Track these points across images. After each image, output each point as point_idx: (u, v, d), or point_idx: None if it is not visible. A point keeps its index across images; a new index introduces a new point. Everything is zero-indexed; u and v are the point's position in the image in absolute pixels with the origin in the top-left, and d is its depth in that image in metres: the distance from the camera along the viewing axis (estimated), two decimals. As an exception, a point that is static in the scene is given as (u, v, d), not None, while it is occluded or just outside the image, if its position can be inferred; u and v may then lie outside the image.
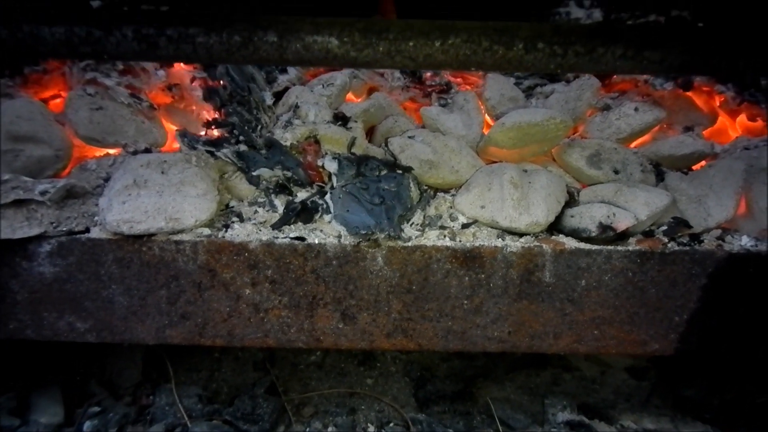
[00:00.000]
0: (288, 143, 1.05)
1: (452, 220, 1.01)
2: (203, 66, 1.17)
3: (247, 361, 1.40)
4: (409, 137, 1.14)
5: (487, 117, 1.29)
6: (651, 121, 1.21)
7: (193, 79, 1.17)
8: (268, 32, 0.61)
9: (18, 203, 0.91)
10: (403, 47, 0.62)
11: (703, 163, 1.21)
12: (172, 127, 1.18)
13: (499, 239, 0.95)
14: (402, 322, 0.97)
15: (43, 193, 0.91)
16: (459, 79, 1.38)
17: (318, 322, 0.96)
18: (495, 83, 1.26)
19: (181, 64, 1.16)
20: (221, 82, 1.13)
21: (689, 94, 1.30)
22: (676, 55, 0.63)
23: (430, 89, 1.38)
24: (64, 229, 0.91)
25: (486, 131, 1.25)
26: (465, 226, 1.00)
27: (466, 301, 0.96)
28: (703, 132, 1.29)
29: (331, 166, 1.02)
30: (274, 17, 0.62)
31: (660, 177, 1.15)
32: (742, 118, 1.33)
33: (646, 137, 1.25)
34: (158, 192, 0.92)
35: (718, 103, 1.34)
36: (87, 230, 0.92)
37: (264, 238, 0.92)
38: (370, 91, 1.37)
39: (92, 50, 0.62)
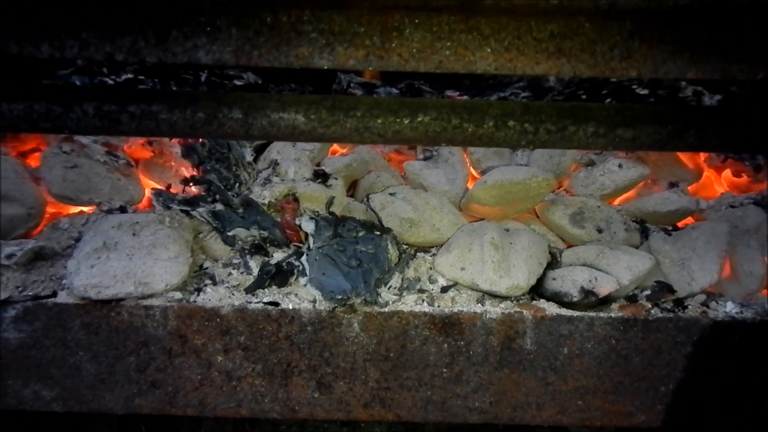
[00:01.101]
0: (266, 201, 1.04)
1: (431, 283, 0.99)
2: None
3: (227, 421, 1.35)
4: (390, 194, 1.13)
5: (472, 170, 1.28)
6: (635, 178, 1.20)
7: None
8: (233, 109, 0.60)
9: (-17, 267, 0.88)
10: (371, 124, 0.61)
11: (689, 220, 1.19)
12: (150, 183, 1.16)
13: (479, 305, 0.93)
14: (380, 392, 0.94)
15: (9, 256, 0.89)
16: (443, 133, 1.37)
17: (293, 391, 0.93)
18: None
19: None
20: (200, 139, 1.12)
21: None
22: (648, 134, 0.61)
23: (415, 142, 1.37)
24: (30, 293, 0.88)
25: (470, 185, 1.23)
26: (444, 289, 0.97)
27: (445, 370, 0.93)
28: (688, 187, 1.28)
29: (308, 226, 1.00)
30: (239, 94, 0.61)
31: (644, 234, 1.13)
32: (727, 173, 1.32)
33: (630, 193, 1.24)
34: (128, 255, 0.89)
35: (702, 159, 1.34)
36: (54, 294, 0.89)
37: (236, 303, 0.89)
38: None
39: (52, 126, 0.60)
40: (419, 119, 0.61)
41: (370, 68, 0.53)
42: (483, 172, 1.25)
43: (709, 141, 0.64)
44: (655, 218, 1.17)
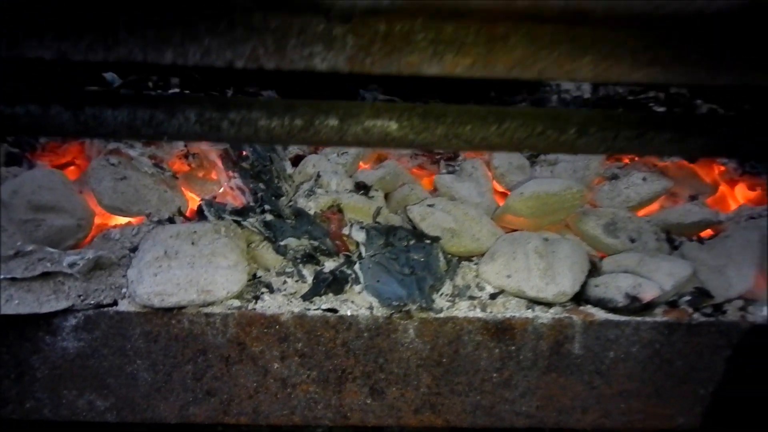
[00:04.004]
0: (312, 212, 1.06)
1: (479, 290, 1.02)
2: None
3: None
4: (429, 206, 1.16)
5: (495, 184, 1.32)
6: (659, 191, 1.25)
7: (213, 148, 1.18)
8: (329, 116, 0.63)
9: (45, 276, 0.89)
10: (460, 131, 0.64)
11: (709, 231, 1.24)
12: (191, 196, 1.18)
13: (530, 310, 0.96)
14: (430, 397, 0.96)
15: (71, 265, 0.89)
16: (468, 148, 1.42)
17: (346, 398, 0.95)
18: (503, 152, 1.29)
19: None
20: (243, 152, 1.14)
21: (692, 165, 1.36)
22: (718, 141, 0.66)
23: (438, 156, 1.41)
24: (92, 302, 0.89)
25: (496, 199, 1.27)
26: (493, 296, 1.00)
27: (495, 374, 0.95)
28: (706, 200, 1.34)
29: (359, 236, 1.02)
30: (335, 102, 0.64)
31: (672, 245, 1.18)
32: (741, 187, 1.38)
33: (653, 206, 1.29)
34: (189, 263, 0.91)
35: (717, 173, 1.40)
36: (115, 303, 0.90)
37: (296, 310, 0.91)
38: (378, 158, 1.39)
39: (154, 132, 0.62)
40: (506, 126, 0.65)
41: (477, 76, 0.56)
42: (507, 186, 1.30)
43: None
44: (679, 229, 1.22)
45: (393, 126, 0.64)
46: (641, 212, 1.28)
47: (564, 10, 0.52)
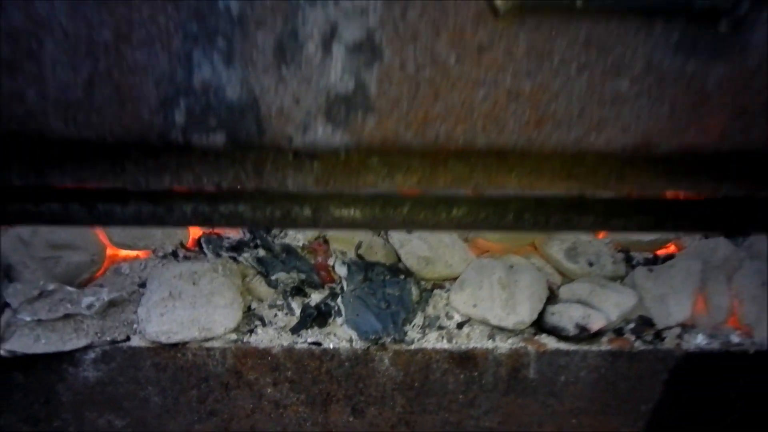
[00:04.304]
0: (300, 243, 1.19)
1: (449, 319, 1.15)
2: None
3: None
4: (408, 233, 1.28)
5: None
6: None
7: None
8: (304, 208, 0.75)
9: (66, 316, 1.02)
10: (415, 218, 0.76)
11: (669, 246, 1.36)
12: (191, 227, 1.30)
13: (490, 340, 1.09)
14: (405, 416, 1.10)
15: (89, 307, 1.03)
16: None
17: (331, 417, 1.09)
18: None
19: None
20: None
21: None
22: (635, 222, 0.77)
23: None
24: (108, 338, 1.03)
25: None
26: (460, 325, 1.13)
27: (461, 396, 1.09)
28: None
29: (342, 270, 1.15)
30: (307, 195, 0.76)
31: (630, 264, 1.30)
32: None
33: (616, 228, 1.40)
34: (191, 304, 1.04)
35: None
36: (128, 338, 1.04)
37: (285, 344, 1.05)
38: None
39: (157, 223, 0.74)
40: (454, 213, 0.76)
41: (421, 189, 0.68)
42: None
43: (683, 226, 0.80)
44: (638, 246, 1.34)
45: (358, 214, 0.76)
46: (601, 233, 1.40)
47: (489, 149, 0.63)
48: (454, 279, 1.24)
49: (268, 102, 0.61)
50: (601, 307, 1.14)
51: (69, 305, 1.03)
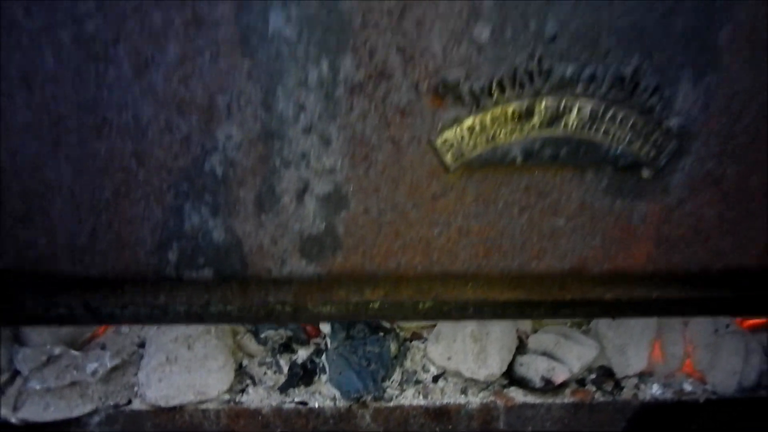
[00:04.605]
0: (287, 298, 1.28)
1: (425, 372, 1.25)
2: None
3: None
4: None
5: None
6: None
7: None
8: (285, 306, 0.84)
9: (72, 383, 1.11)
10: (385, 313, 0.85)
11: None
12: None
13: (463, 395, 1.19)
14: (386, 462, 1.20)
15: (93, 373, 1.12)
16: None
17: (318, 466, 1.19)
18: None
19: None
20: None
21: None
22: (582, 312, 0.87)
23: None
24: (111, 403, 1.12)
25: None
26: (435, 378, 1.23)
27: (437, 444, 1.19)
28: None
29: (325, 328, 1.25)
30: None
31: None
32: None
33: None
34: (187, 368, 1.13)
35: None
36: (129, 402, 1.13)
37: (274, 404, 1.14)
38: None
39: (154, 322, 0.84)
40: (420, 307, 0.86)
41: (388, 302, 0.77)
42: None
43: (626, 314, 0.89)
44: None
45: (334, 310, 0.85)
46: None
47: (444, 274, 0.72)
48: (434, 326, 1.34)
49: (249, 243, 0.70)
50: (565, 359, 1.23)
51: (75, 372, 1.12)
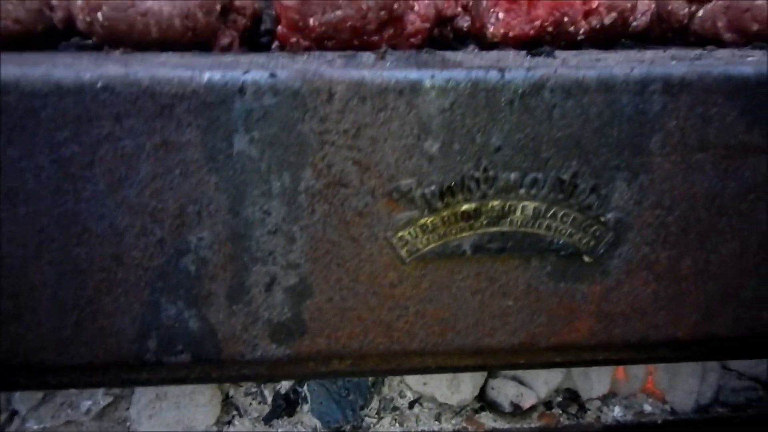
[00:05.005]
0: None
1: (401, 398, 1.32)
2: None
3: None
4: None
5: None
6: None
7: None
8: (260, 368, 0.90)
9: (68, 422, 1.18)
10: (354, 374, 0.92)
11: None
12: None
13: (436, 422, 1.27)
14: (365, 484, 1.28)
15: (87, 412, 1.19)
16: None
17: (302, 489, 1.27)
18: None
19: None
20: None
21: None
22: (540, 362, 0.94)
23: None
24: (105, 439, 1.19)
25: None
26: (411, 404, 1.31)
27: (413, 467, 1.28)
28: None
29: (307, 359, 1.31)
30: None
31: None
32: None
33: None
34: (176, 404, 1.20)
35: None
36: (122, 437, 1.20)
37: (259, 435, 1.22)
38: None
39: (136, 385, 0.90)
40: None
41: (355, 371, 0.84)
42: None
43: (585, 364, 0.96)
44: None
45: (307, 374, 0.91)
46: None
47: (404, 351, 0.79)
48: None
49: (223, 330, 0.76)
50: (532, 384, 1.31)
51: (69, 410, 1.19)
